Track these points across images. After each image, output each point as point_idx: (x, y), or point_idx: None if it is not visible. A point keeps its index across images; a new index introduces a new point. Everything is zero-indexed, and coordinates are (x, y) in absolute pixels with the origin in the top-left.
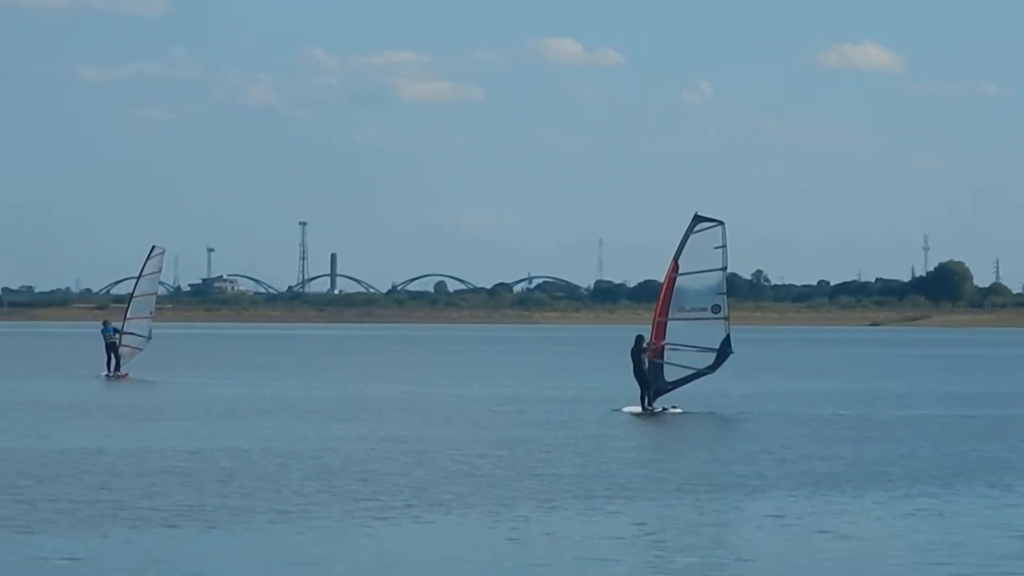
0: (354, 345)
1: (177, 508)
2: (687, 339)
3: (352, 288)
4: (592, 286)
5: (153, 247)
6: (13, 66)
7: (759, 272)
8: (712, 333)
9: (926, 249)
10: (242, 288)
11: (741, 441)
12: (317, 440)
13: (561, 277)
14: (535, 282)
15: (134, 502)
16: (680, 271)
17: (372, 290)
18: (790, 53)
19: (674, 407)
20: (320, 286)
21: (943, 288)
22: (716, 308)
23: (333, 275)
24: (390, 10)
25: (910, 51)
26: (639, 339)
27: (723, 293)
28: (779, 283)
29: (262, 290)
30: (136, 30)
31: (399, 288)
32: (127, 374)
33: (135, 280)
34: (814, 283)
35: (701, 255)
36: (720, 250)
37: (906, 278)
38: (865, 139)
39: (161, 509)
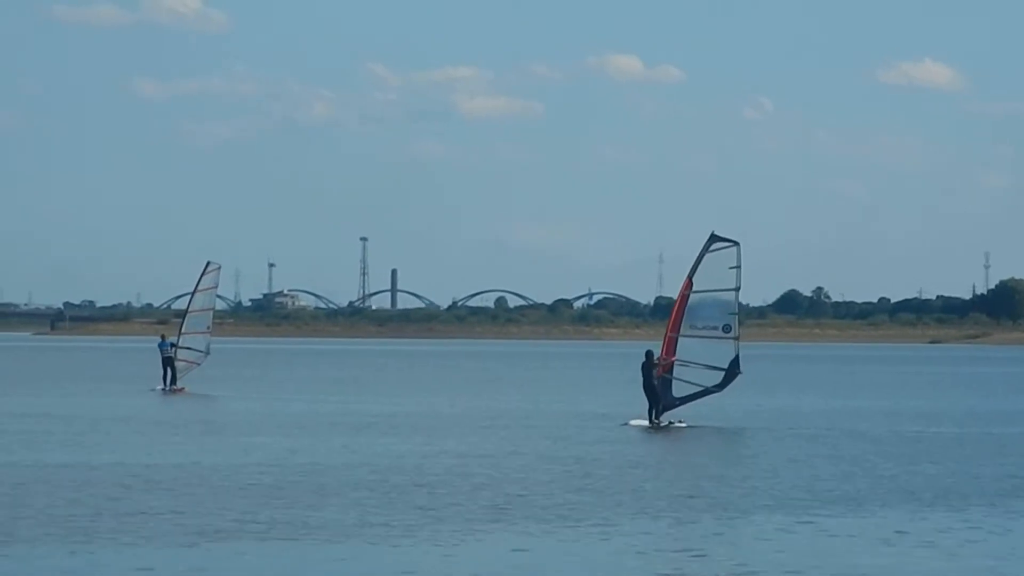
0: (416, 361)
1: (272, 522)
2: (697, 356)
3: (412, 304)
4: (652, 302)
5: (208, 262)
6: (74, 82)
7: (819, 289)
8: (722, 352)
9: (987, 267)
10: (303, 303)
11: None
12: (394, 456)
13: (622, 293)
14: (595, 298)
15: (232, 515)
16: (694, 288)
17: (432, 305)
18: (850, 70)
19: (680, 421)
20: (381, 301)
21: (1004, 306)
22: (727, 328)
23: (394, 290)
24: (451, 26)
25: (971, 68)
26: (649, 354)
27: (734, 313)
28: (840, 300)
29: (323, 305)
30: (197, 46)
31: (459, 304)
32: (183, 388)
33: (190, 295)
34: (875, 300)
35: (715, 274)
36: (734, 270)
37: (967, 296)
38: (926, 156)
39: (268, 522)
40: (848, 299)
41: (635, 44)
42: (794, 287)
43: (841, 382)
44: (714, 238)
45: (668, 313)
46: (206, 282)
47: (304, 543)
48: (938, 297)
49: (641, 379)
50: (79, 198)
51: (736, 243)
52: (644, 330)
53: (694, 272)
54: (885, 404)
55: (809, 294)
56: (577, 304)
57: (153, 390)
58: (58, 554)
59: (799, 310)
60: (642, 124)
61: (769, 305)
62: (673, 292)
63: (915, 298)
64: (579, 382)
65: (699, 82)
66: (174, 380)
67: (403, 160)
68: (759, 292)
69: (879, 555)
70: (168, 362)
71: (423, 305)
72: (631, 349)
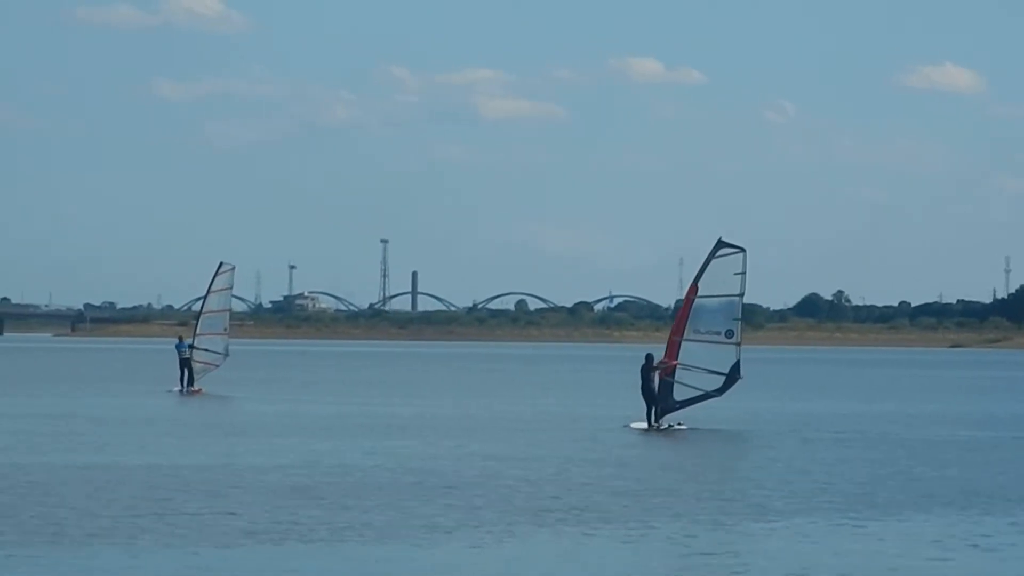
0: (437, 363)
1: (314, 523)
2: (699, 361)
3: (433, 306)
4: (673, 305)
5: (221, 263)
6: (95, 84)
7: (840, 293)
8: (723, 357)
9: (1008, 271)
10: (323, 305)
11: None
12: (425, 458)
13: (642, 296)
14: (616, 301)
15: (266, 517)
16: (699, 293)
17: (453, 308)
18: (871, 73)
19: (680, 424)
20: (401, 304)
21: None
22: (729, 333)
23: (414, 293)
24: (472, 29)
25: (991, 72)
26: (649, 357)
27: (738, 319)
28: (860, 304)
29: (343, 307)
30: (218, 47)
31: (479, 306)
32: (200, 389)
33: (204, 296)
34: (895, 304)
35: (721, 280)
36: (739, 276)
37: (987, 300)
38: (946, 160)
39: (309, 523)
40: (868, 303)
41: (656, 47)
42: (815, 291)
43: (864, 386)
44: (720, 244)
45: None
46: (220, 283)
47: (348, 544)
48: (958, 301)
49: (640, 382)
50: (100, 199)
51: (742, 249)
52: (664, 333)
53: (700, 277)
54: (908, 408)
55: (830, 298)
56: (597, 307)
57: (170, 391)
58: (107, 554)
59: (819, 314)
60: (663, 127)
61: (790, 308)
62: None
63: (935, 302)
64: (598, 385)
65: (720, 85)
66: (191, 381)
67: (424, 162)
68: (780, 296)
69: (926, 557)
70: (185, 363)
71: (443, 307)
72: (651, 352)
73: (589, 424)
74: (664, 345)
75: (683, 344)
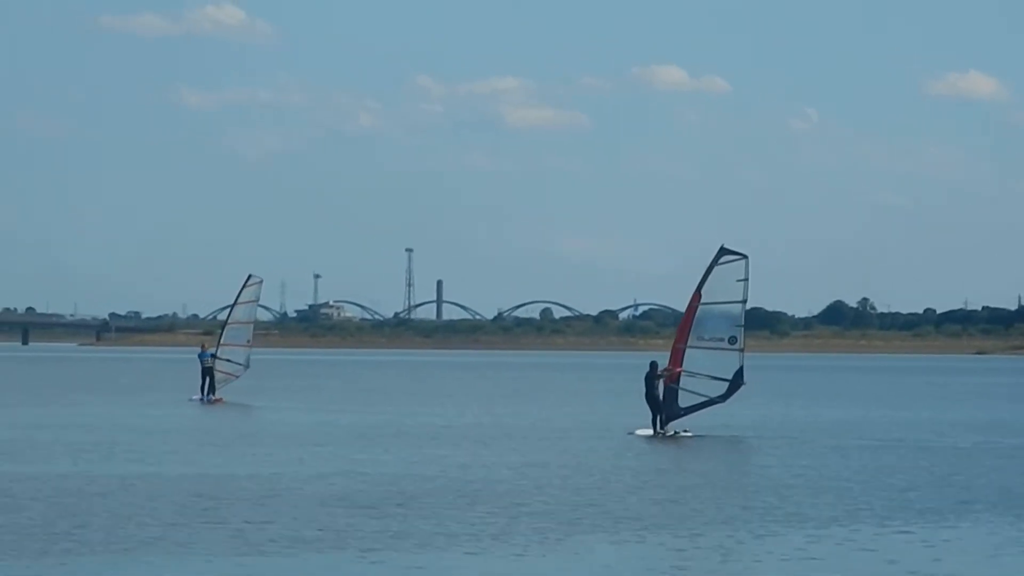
0: (463, 372)
1: (362, 531)
2: (704, 368)
3: (458, 315)
4: None
5: (250, 276)
6: (120, 92)
7: (865, 300)
8: (727, 363)
9: None
10: (348, 314)
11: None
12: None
13: (667, 304)
14: (641, 309)
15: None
16: (702, 300)
17: (478, 317)
18: (896, 80)
19: (686, 431)
20: (426, 312)
21: None
22: (733, 339)
23: (439, 301)
24: (496, 37)
25: (1015, 79)
26: (653, 365)
27: (741, 325)
28: (885, 311)
29: (368, 316)
30: (243, 56)
31: (505, 315)
32: (221, 399)
33: (230, 307)
34: (920, 311)
35: (724, 287)
36: (742, 283)
37: (1012, 307)
38: (971, 166)
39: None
40: (894, 310)
41: (680, 55)
42: (840, 298)
43: (893, 393)
44: (723, 251)
45: None
46: (247, 295)
47: (396, 552)
48: (984, 308)
49: (644, 389)
50: (125, 208)
51: (745, 256)
52: None
53: (703, 284)
54: (940, 415)
55: (855, 305)
56: (622, 315)
57: (191, 399)
58: (158, 562)
59: (844, 321)
60: (687, 135)
61: (815, 316)
62: None
63: (960, 309)
64: (627, 392)
65: (744, 93)
66: (212, 390)
67: (449, 171)
68: (804, 303)
69: (981, 564)
70: (207, 372)
71: (468, 316)
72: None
73: (619, 432)
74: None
75: (687, 351)
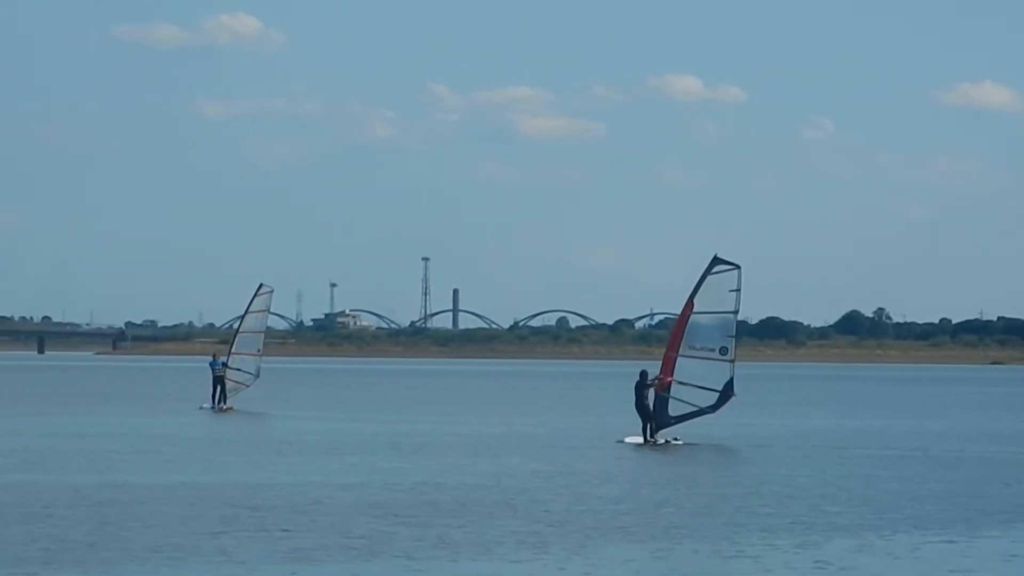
0: (479, 381)
1: (396, 540)
2: (694, 377)
3: (474, 324)
4: None
5: (261, 285)
6: (135, 102)
7: (881, 310)
8: (718, 374)
9: None
10: (365, 323)
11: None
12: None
13: None
14: (657, 318)
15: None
16: (695, 310)
17: (494, 326)
18: (911, 91)
19: (676, 439)
20: (442, 321)
21: None
22: (724, 350)
23: (455, 310)
24: (511, 47)
25: None
26: (643, 374)
27: (732, 336)
28: (901, 321)
29: (384, 325)
30: (258, 66)
31: (521, 324)
32: (231, 407)
33: (241, 316)
34: (936, 321)
35: (716, 296)
36: (734, 293)
37: None
38: (986, 177)
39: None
40: (909, 320)
41: (695, 65)
42: (855, 308)
43: (912, 403)
44: (716, 261)
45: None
46: (257, 304)
47: (440, 560)
48: (999, 318)
49: (634, 399)
50: (141, 218)
51: (737, 266)
52: None
53: (695, 293)
54: (960, 425)
55: (870, 315)
56: (638, 324)
57: (201, 408)
58: (203, 571)
59: (860, 331)
60: (703, 144)
61: (831, 326)
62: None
63: (976, 319)
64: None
65: (760, 102)
66: (223, 399)
67: (464, 180)
68: (820, 313)
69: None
70: (219, 381)
71: (484, 325)
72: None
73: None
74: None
75: (678, 360)
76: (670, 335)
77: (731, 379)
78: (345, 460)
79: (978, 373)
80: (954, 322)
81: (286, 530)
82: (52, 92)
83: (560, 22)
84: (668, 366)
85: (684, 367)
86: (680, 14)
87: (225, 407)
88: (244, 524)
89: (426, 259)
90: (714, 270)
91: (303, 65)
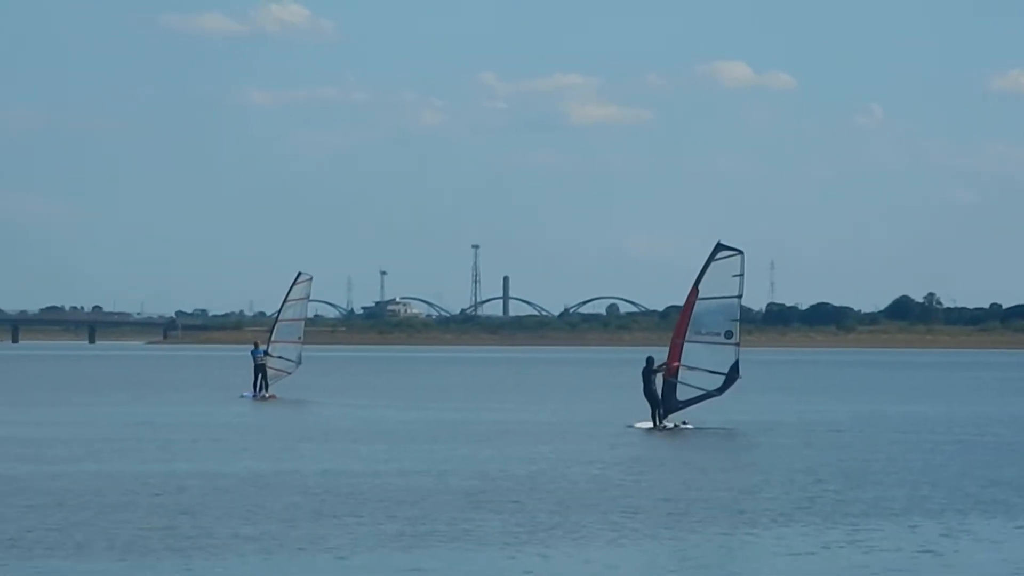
0: (531, 368)
1: (467, 527)
2: (701, 362)
3: (524, 311)
4: (764, 308)
5: (299, 273)
6: (185, 91)
7: (931, 295)
8: (723, 357)
9: None
10: (415, 311)
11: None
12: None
13: None
14: None
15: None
16: (700, 296)
17: (544, 313)
18: (961, 76)
19: (685, 423)
20: (492, 309)
21: None
22: (728, 334)
23: (506, 298)
24: (560, 35)
25: None
26: (650, 360)
27: (736, 320)
28: (951, 306)
29: (434, 313)
30: (308, 55)
31: (571, 311)
32: (273, 395)
33: (280, 305)
34: (986, 306)
35: (720, 282)
36: (738, 278)
37: None
38: None
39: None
40: (959, 305)
41: (744, 51)
42: (906, 293)
43: (966, 388)
44: (719, 247)
45: (779, 319)
46: (296, 292)
47: (534, 544)
48: None
49: (642, 385)
50: (191, 207)
51: (740, 252)
52: (756, 336)
53: (700, 280)
54: (1010, 411)
55: (921, 300)
56: None
57: (243, 396)
58: (277, 560)
59: (911, 316)
60: (752, 131)
61: (881, 311)
62: (786, 299)
63: None
64: None
65: (809, 89)
66: (265, 387)
67: (514, 168)
68: (871, 298)
69: None
70: (260, 369)
71: (535, 312)
72: (744, 356)
73: (711, 428)
74: (756, 348)
75: (685, 346)
76: (677, 322)
77: (736, 362)
78: (412, 447)
79: None
80: (1004, 307)
81: (352, 519)
82: (102, 83)
83: (610, 9)
84: (675, 352)
85: (691, 352)
86: (729, 1)
87: (267, 395)
88: (307, 513)
89: (476, 246)
90: (718, 256)
91: (352, 54)
